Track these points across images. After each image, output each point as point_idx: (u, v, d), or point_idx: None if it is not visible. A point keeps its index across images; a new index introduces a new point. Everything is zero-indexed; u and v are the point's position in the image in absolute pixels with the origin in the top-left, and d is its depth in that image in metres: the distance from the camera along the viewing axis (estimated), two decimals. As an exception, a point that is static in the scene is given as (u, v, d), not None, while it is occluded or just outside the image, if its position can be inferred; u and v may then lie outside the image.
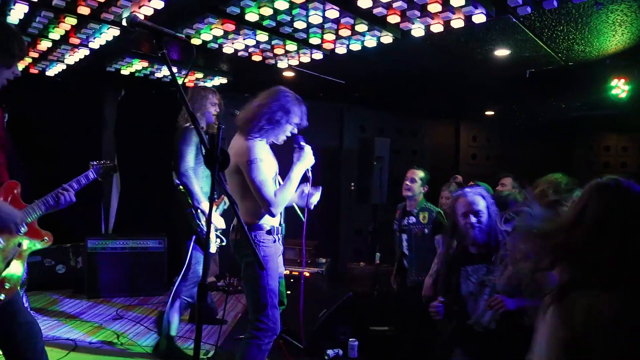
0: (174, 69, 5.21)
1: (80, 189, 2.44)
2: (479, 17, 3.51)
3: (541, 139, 8.09)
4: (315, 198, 2.94)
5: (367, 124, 7.13)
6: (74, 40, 4.41)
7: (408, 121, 7.51)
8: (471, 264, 2.72)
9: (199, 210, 3.60)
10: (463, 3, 3.32)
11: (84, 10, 3.67)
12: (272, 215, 2.64)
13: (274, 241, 2.73)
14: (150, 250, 5.39)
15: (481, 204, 2.73)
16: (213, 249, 3.73)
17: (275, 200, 2.58)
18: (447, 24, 3.69)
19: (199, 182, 3.68)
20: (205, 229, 3.58)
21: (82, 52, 4.78)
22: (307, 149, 2.81)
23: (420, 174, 4.33)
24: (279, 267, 2.83)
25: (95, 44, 4.41)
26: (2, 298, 1.99)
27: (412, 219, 4.32)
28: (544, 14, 3.48)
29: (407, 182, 4.31)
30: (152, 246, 5.41)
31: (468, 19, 3.57)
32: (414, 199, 4.32)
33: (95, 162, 2.62)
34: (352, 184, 6.46)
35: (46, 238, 2.33)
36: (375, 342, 4.27)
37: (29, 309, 2.84)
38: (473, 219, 2.69)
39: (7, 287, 2.04)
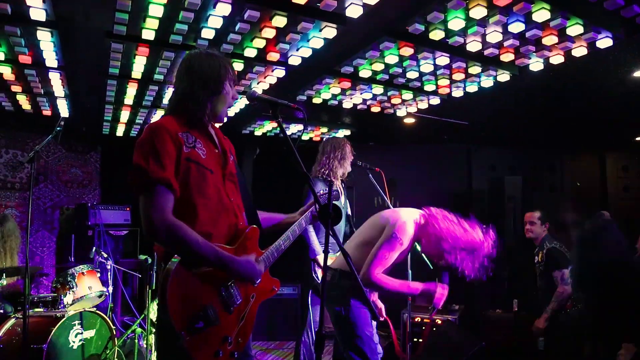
0: (300, 127, 5.67)
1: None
2: (605, 42, 3.29)
3: None
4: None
5: (497, 162, 6.82)
6: (215, 111, 5.07)
7: (543, 156, 7.01)
8: None
9: (315, 263, 3.76)
10: (582, 31, 3.15)
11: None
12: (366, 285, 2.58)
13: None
14: (285, 297, 5.70)
15: None
16: None
17: (375, 279, 2.56)
18: (567, 54, 3.51)
19: (323, 235, 3.86)
20: (318, 280, 3.73)
21: (222, 120, 5.45)
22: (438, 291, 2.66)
23: (536, 214, 4.55)
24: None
25: (232, 111, 5.01)
26: (235, 356, 1.92)
27: (536, 259, 4.53)
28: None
29: (527, 226, 4.57)
30: (287, 293, 5.71)
31: (592, 45, 3.36)
32: (538, 239, 4.53)
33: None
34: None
35: (274, 287, 2.16)
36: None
37: None
38: None
39: (239, 341, 1.95)
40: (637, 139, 6.78)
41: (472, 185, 6.61)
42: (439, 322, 5.13)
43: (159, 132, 1.82)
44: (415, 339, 4.75)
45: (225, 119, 2.11)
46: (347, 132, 6.12)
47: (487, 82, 4.15)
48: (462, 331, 4.54)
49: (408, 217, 2.68)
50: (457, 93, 4.46)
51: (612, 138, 6.85)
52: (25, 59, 3.61)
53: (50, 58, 3.59)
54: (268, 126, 5.78)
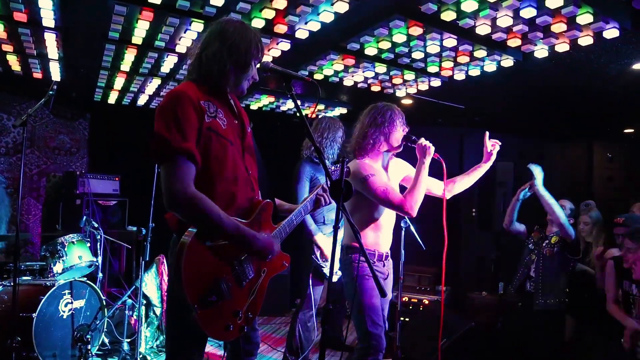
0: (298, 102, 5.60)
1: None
2: (612, 32, 3.29)
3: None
4: None
5: (488, 148, 6.87)
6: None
7: (533, 144, 7.09)
8: None
9: (314, 244, 3.74)
10: (591, 20, 3.15)
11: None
12: (411, 216, 2.68)
13: (373, 263, 2.75)
14: (275, 272, 5.69)
15: None
16: (334, 277, 3.81)
17: (407, 201, 2.65)
18: (573, 42, 3.51)
19: (322, 212, 3.84)
20: (318, 261, 3.73)
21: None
22: (422, 141, 2.85)
23: (568, 204, 4.66)
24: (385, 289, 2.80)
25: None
26: (245, 330, 1.96)
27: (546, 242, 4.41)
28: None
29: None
30: (277, 269, 5.71)
31: (598, 35, 3.37)
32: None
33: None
34: (474, 210, 6.25)
35: (285, 262, 2.15)
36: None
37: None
38: None
39: (249, 316, 1.97)
40: (626, 131, 6.90)
41: (464, 169, 6.64)
42: (427, 302, 5.22)
43: (181, 100, 1.76)
44: (402, 318, 4.82)
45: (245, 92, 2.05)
46: (344, 111, 6.08)
47: (490, 67, 4.15)
48: (451, 311, 4.62)
49: (353, 165, 2.84)
50: (459, 76, 4.45)
51: (601, 128, 6.96)
52: (20, 16, 3.45)
53: (48, 17, 3.43)
54: (265, 100, 5.69)
